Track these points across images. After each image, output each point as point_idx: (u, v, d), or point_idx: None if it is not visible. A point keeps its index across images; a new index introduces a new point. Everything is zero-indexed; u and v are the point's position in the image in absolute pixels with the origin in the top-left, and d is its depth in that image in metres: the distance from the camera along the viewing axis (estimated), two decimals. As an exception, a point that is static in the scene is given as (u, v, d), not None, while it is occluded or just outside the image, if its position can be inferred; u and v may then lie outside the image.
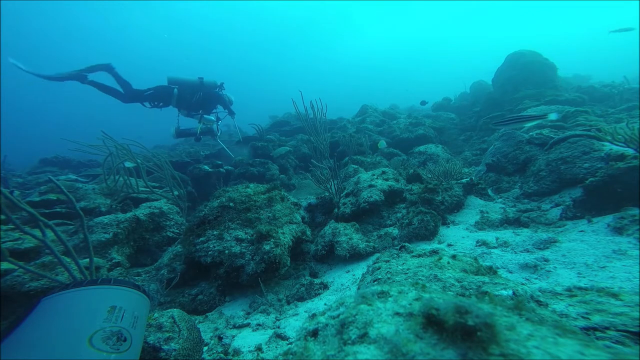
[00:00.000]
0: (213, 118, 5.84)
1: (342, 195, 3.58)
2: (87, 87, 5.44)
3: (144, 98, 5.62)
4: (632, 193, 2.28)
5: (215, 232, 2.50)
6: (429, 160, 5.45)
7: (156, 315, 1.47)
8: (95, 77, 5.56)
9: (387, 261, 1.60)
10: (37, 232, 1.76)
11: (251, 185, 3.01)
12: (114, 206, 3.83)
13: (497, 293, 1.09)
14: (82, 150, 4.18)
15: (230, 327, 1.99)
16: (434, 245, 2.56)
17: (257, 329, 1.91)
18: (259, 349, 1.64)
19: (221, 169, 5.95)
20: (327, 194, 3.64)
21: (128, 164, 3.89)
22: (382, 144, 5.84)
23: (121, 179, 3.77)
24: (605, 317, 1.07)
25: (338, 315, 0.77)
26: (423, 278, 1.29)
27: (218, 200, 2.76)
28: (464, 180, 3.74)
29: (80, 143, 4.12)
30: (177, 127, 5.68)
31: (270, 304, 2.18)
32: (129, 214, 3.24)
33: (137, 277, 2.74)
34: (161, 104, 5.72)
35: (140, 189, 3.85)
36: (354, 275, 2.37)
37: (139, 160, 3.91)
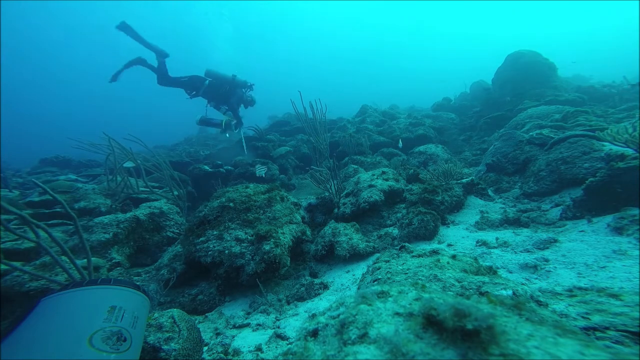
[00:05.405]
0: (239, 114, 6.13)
1: (342, 195, 3.58)
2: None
3: (179, 84, 5.90)
4: (632, 193, 2.28)
5: (215, 232, 2.50)
6: (429, 160, 5.44)
7: (156, 315, 1.47)
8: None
9: (387, 261, 1.60)
10: (35, 234, 1.76)
11: (251, 185, 3.01)
12: (114, 206, 3.83)
13: (497, 293, 1.09)
14: (83, 147, 4.21)
15: (230, 327, 1.99)
16: (433, 245, 2.56)
17: (257, 329, 1.91)
18: (259, 349, 1.64)
19: (221, 169, 5.97)
20: (327, 194, 3.64)
21: (128, 164, 3.89)
22: (400, 144, 6.00)
23: (119, 178, 3.78)
24: (605, 317, 1.07)
25: (338, 315, 0.77)
26: (423, 278, 1.28)
27: (218, 201, 2.76)
28: (464, 180, 3.74)
29: (82, 141, 4.15)
30: (203, 115, 5.92)
31: (270, 304, 2.18)
32: (129, 214, 3.24)
33: (137, 277, 2.74)
34: (193, 92, 5.99)
35: (140, 189, 3.85)
36: (354, 275, 2.37)
37: (139, 161, 3.92)
